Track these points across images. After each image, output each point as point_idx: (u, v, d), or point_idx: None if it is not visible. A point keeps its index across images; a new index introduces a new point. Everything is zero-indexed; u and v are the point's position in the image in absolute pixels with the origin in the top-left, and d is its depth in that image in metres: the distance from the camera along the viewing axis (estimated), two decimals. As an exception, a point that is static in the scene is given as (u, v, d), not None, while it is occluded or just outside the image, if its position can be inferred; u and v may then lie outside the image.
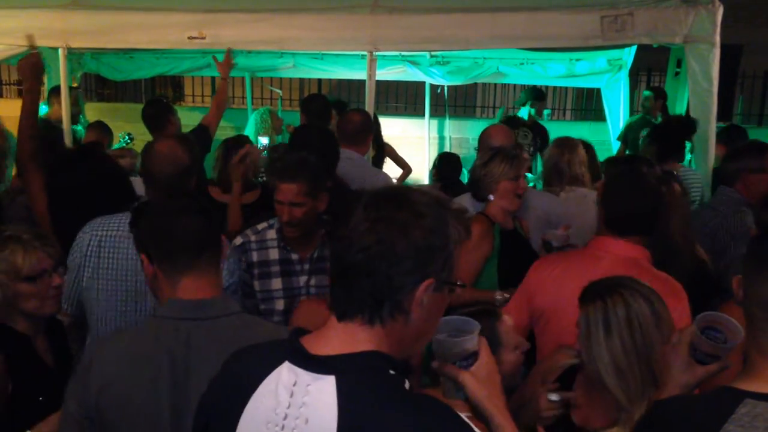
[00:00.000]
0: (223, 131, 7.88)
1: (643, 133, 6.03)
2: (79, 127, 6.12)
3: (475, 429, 1.20)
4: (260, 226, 2.82)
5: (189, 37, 4.86)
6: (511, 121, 6.02)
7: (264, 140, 6.16)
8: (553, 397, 1.90)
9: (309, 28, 4.86)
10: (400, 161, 5.84)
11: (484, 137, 3.62)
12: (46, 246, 2.21)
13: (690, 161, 5.47)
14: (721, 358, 1.57)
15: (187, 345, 1.66)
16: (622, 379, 1.78)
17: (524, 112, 6.68)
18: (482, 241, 3.05)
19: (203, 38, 4.85)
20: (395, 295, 1.22)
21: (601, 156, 5.85)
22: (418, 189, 1.32)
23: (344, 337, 1.24)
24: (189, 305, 1.71)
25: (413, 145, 7.85)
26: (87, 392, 1.66)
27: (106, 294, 2.51)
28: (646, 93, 6.53)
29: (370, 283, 1.21)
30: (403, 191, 1.28)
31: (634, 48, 6.29)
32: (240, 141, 4.37)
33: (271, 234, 2.81)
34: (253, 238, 2.80)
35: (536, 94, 6.93)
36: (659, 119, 6.40)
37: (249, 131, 6.47)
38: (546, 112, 11.06)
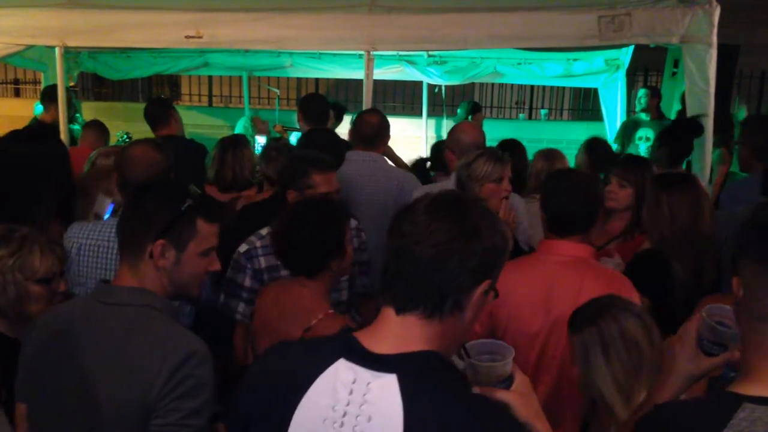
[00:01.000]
0: (221, 130, 7.90)
1: (639, 134, 6.04)
2: (77, 126, 6.12)
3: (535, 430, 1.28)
4: (264, 232, 2.76)
5: (186, 36, 4.85)
6: None
7: (261, 140, 6.17)
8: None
9: (307, 27, 4.85)
10: (397, 161, 5.83)
11: (454, 134, 3.50)
12: (57, 250, 2.21)
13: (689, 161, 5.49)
14: (728, 347, 1.54)
15: (86, 322, 1.73)
16: (626, 398, 1.80)
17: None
18: None
19: (200, 37, 4.84)
20: (458, 292, 1.28)
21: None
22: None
23: (401, 333, 1.28)
24: (103, 288, 1.81)
25: (411, 144, 7.84)
26: (26, 351, 1.84)
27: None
28: (643, 90, 6.53)
29: (439, 277, 1.26)
30: (463, 195, 1.40)
31: (631, 48, 6.30)
32: (235, 140, 4.37)
33: None
34: (258, 243, 2.74)
35: (475, 107, 6.95)
36: (648, 117, 6.40)
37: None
38: (543, 111, 11.10)
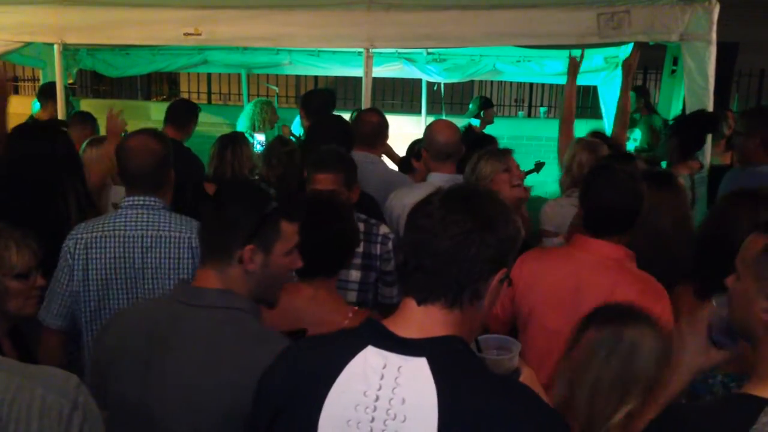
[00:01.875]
0: (219, 128, 7.89)
1: (635, 135, 6.04)
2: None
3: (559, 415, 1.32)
4: None
5: (185, 34, 4.84)
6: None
7: (261, 137, 6.15)
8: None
9: (305, 24, 4.85)
10: (395, 158, 5.83)
11: (428, 133, 3.43)
12: (32, 244, 2.18)
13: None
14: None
15: (172, 326, 1.71)
16: (593, 403, 1.73)
17: (476, 122, 6.67)
18: None
19: (199, 35, 4.84)
20: (476, 282, 1.32)
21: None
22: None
23: (425, 321, 1.32)
24: (189, 290, 1.78)
25: (409, 142, 7.84)
26: (101, 348, 1.82)
27: (97, 294, 2.47)
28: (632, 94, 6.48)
29: (457, 269, 1.30)
30: (476, 188, 1.45)
31: (630, 46, 6.28)
32: (234, 137, 4.37)
33: None
34: None
35: (486, 102, 6.88)
36: (638, 116, 6.39)
37: (242, 122, 6.43)
38: (542, 109, 11.11)
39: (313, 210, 2.23)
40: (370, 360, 1.29)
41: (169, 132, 4.69)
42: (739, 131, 3.87)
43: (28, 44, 5.49)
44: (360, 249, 2.81)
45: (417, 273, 1.33)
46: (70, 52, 6.58)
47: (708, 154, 4.51)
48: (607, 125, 6.84)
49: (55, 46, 5.10)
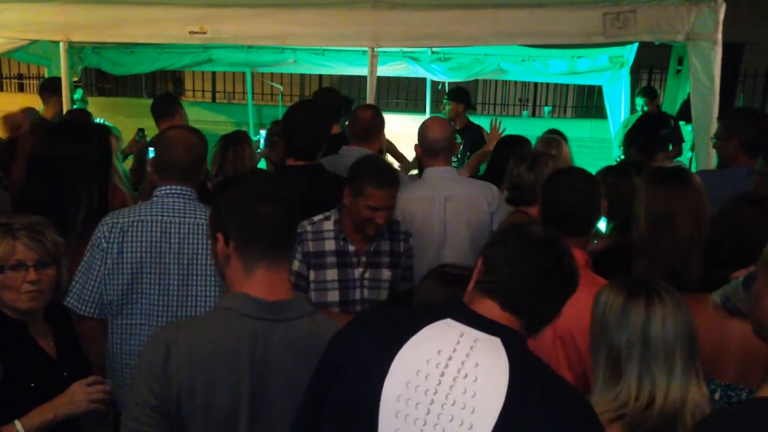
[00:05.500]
0: (224, 126, 7.91)
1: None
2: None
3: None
4: (317, 218, 2.84)
5: (190, 32, 4.85)
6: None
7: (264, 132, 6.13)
8: None
9: (310, 23, 4.84)
10: (399, 157, 5.83)
11: (420, 129, 3.44)
12: (32, 238, 2.13)
13: (691, 159, 5.48)
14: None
15: (265, 346, 1.62)
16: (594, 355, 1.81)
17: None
18: None
19: (204, 33, 4.84)
20: (548, 321, 1.47)
21: (602, 154, 5.86)
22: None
23: (504, 318, 1.41)
24: (269, 306, 1.65)
25: (413, 141, 7.84)
26: (168, 389, 1.59)
27: (130, 278, 2.47)
28: (640, 99, 6.45)
29: (546, 310, 1.45)
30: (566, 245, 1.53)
31: (635, 45, 6.28)
32: (236, 137, 4.36)
33: (328, 225, 2.83)
34: (309, 228, 2.81)
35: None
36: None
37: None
38: (546, 109, 11.09)
39: None
40: (448, 328, 1.38)
41: (163, 126, 4.63)
42: (718, 135, 3.77)
43: (33, 42, 5.50)
44: (387, 248, 2.91)
45: (515, 296, 1.42)
46: (75, 49, 6.57)
47: (713, 156, 4.50)
48: (612, 125, 6.84)
49: (61, 44, 5.12)
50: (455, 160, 5.30)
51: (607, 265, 2.48)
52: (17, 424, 1.97)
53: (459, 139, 5.64)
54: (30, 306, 2.15)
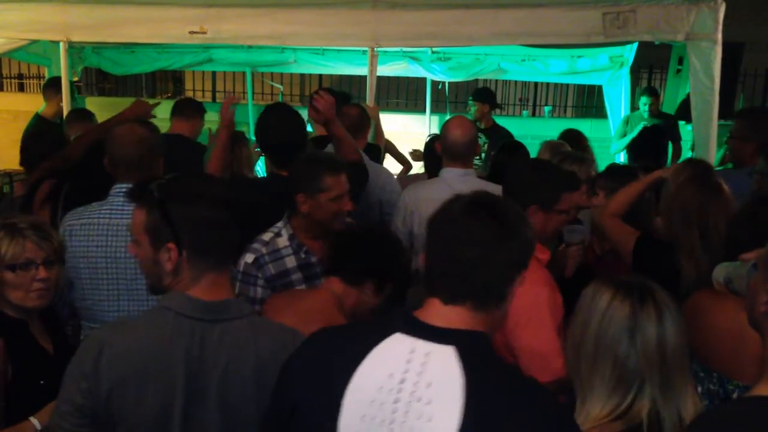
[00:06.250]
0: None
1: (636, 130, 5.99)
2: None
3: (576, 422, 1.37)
4: (266, 237, 2.62)
5: (190, 32, 4.85)
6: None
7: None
8: None
9: (310, 23, 4.85)
10: (400, 157, 5.83)
11: (443, 129, 3.41)
12: (40, 237, 2.14)
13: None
14: None
15: (201, 347, 1.59)
16: (573, 366, 1.71)
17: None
18: None
19: (204, 33, 4.84)
20: (503, 286, 1.37)
21: (602, 153, 5.85)
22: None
23: (451, 315, 1.34)
24: (209, 306, 1.63)
25: (414, 141, 7.84)
26: (97, 386, 1.56)
27: (89, 284, 2.47)
28: (644, 98, 6.41)
29: (485, 274, 1.33)
30: (496, 196, 1.47)
31: (635, 45, 6.28)
32: (234, 138, 4.36)
33: (283, 242, 2.61)
34: (264, 250, 2.59)
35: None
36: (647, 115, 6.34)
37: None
38: (547, 108, 11.09)
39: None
40: (397, 345, 1.32)
41: (175, 127, 4.68)
42: (734, 135, 3.78)
43: (33, 42, 5.50)
44: None
45: (443, 279, 1.36)
46: (75, 49, 6.58)
47: (713, 157, 4.51)
48: (612, 124, 6.84)
49: (61, 44, 5.12)
50: (479, 159, 5.31)
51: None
52: (34, 421, 1.98)
53: (484, 139, 5.66)
54: (37, 304, 2.16)
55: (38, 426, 1.97)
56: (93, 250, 2.44)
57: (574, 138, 4.81)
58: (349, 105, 4.14)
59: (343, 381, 1.31)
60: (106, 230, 2.44)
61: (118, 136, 2.56)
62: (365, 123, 4.00)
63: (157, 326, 1.61)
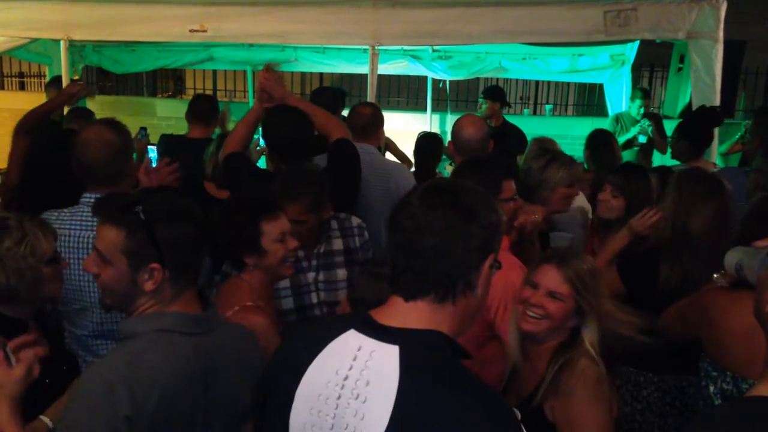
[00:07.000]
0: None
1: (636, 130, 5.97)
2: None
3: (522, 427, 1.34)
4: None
5: (191, 30, 4.86)
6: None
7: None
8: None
9: (311, 21, 4.85)
10: (400, 155, 5.83)
11: (455, 127, 3.41)
12: (53, 230, 2.18)
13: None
14: None
15: (206, 358, 1.62)
16: None
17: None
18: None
19: (205, 31, 4.85)
20: (467, 273, 1.33)
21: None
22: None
23: (409, 314, 1.33)
24: (198, 320, 1.65)
25: (414, 139, 7.85)
26: (140, 424, 1.50)
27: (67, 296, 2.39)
28: (638, 101, 6.40)
29: (446, 263, 1.30)
30: (452, 180, 1.45)
31: (636, 43, 6.28)
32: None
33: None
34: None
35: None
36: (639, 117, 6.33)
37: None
38: (548, 107, 11.07)
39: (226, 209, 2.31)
40: (348, 342, 1.33)
41: (194, 131, 4.56)
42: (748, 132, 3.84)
43: (34, 40, 5.51)
44: (340, 246, 2.79)
45: (406, 273, 1.33)
46: (76, 48, 6.59)
47: (714, 152, 4.51)
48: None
49: (62, 43, 5.13)
50: None
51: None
52: (46, 420, 1.98)
53: None
54: (60, 294, 2.21)
55: (51, 425, 1.98)
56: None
57: (600, 142, 4.54)
58: (363, 104, 4.08)
59: (299, 373, 1.34)
60: (77, 243, 2.36)
61: (86, 141, 2.42)
62: (379, 122, 3.94)
63: (170, 350, 1.58)
